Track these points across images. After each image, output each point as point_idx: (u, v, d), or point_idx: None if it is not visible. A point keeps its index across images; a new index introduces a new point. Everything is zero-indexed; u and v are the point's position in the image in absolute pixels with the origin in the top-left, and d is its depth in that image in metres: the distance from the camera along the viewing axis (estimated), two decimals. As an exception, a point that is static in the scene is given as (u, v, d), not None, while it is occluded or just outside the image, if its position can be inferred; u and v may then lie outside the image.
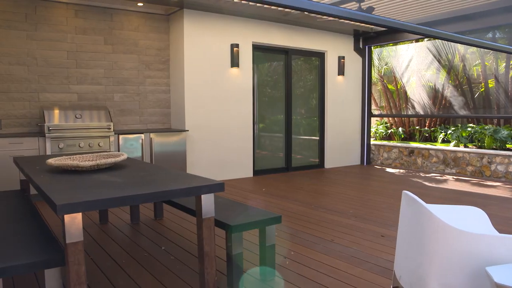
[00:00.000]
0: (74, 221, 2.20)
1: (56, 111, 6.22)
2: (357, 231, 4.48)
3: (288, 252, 3.82)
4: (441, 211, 2.88)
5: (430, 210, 2.33)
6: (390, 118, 11.34)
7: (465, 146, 8.92)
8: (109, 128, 6.37)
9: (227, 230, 2.89)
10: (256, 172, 8.19)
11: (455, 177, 8.05)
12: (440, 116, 10.25)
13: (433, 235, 2.30)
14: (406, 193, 2.66)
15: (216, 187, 2.58)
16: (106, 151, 5.64)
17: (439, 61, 9.96)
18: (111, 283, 3.17)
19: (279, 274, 3.30)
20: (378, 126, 11.31)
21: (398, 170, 9.00)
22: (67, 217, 2.18)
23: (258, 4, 6.97)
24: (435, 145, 9.35)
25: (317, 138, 9.24)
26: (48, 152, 5.95)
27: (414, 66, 10.47)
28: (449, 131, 9.43)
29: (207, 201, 2.58)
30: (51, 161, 3.28)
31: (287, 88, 8.62)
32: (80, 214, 2.21)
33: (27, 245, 2.52)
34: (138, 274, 3.33)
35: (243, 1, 6.56)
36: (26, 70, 6.35)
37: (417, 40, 10.07)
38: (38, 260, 2.29)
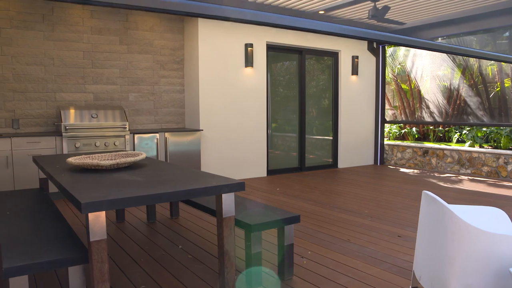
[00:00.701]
0: (98, 220, 2.22)
1: (73, 111, 6.28)
2: (373, 231, 4.46)
3: (305, 251, 3.83)
4: (462, 212, 2.87)
5: (452, 210, 2.32)
6: (404, 118, 11.27)
7: (481, 146, 8.84)
8: (125, 128, 6.42)
9: (246, 229, 2.91)
10: (269, 172, 8.20)
11: (470, 177, 7.98)
12: (454, 124, 10.13)
13: (455, 236, 2.29)
14: (427, 193, 2.65)
15: (237, 186, 2.60)
16: (122, 151, 5.69)
17: (453, 60, 9.88)
18: (130, 281, 3.20)
19: (297, 273, 3.30)
20: (392, 126, 11.25)
21: (412, 170, 8.94)
22: (91, 216, 2.21)
23: (272, 4, 6.97)
24: (449, 145, 9.28)
25: (331, 138, 9.22)
26: (65, 151, 6.01)
27: (428, 66, 10.39)
28: (464, 131, 9.35)
29: (228, 200, 2.59)
30: (71, 160, 3.32)
31: (301, 88, 8.62)
32: (104, 212, 2.24)
33: (51, 243, 2.55)
34: (156, 273, 3.36)
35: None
36: (43, 70, 6.43)
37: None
38: (62, 258, 2.32)
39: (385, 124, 10.31)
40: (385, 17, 6.29)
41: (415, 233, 4.38)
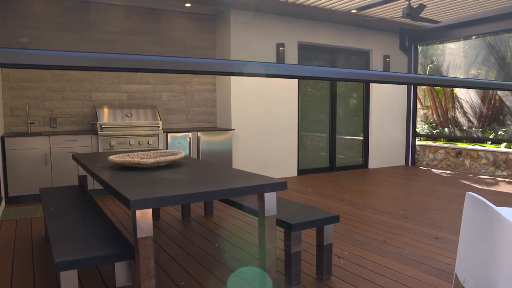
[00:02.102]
0: (145, 217, 2.27)
1: (108, 110, 6.41)
2: (409, 233, 4.41)
3: (341, 251, 3.81)
4: (508, 214, 2.80)
5: (500, 212, 2.27)
6: (436, 118, 11.08)
7: (517, 147, 8.60)
8: (158, 127, 6.52)
9: (286, 229, 2.91)
10: (300, 172, 8.18)
11: (507, 179, 7.78)
12: (488, 140, 9.90)
13: (503, 238, 2.25)
14: (472, 194, 2.60)
15: (279, 185, 2.61)
16: (157, 149, 5.76)
17: (488, 59, 9.65)
18: (169, 278, 3.25)
19: (334, 273, 3.29)
20: (423, 126, 11.07)
21: (444, 171, 8.78)
22: (138, 213, 2.25)
23: (304, 4, 6.96)
24: (484, 146, 9.07)
25: (361, 138, 9.14)
26: (100, 150, 6.14)
27: (462, 64, 10.18)
28: (500, 132, 9.13)
29: (270, 199, 2.61)
30: (112, 157, 3.39)
31: (331, 88, 8.57)
32: (151, 210, 2.28)
33: (97, 239, 2.62)
34: (195, 270, 3.40)
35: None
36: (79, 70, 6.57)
37: (465, 38, 9.79)
38: (109, 253, 2.38)
39: (416, 125, 10.15)
40: (419, 15, 6.20)
41: (452, 235, 4.31)
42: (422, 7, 5.95)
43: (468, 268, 2.62)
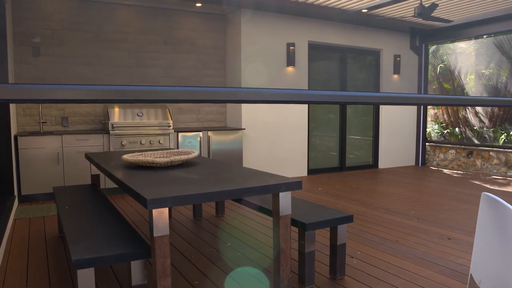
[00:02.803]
0: (161, 216, 2.28)
1: (119, 109, 6.44)
2: (421, 233, 4.39)
3: (354, 251, 3.80)
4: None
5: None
6: (446, 118, 11.01)
7: (529, 148, 8.51)
8: (169, 126, 6.54)
9: (300, 228, 2.91)
10: (310, 171, 8.17)
11: (518, 179, 7.72)
12: (499, 147, 9.82)
13: (521, 239, 2.23)
14: (487, 194, 2.58)
15: (294, 185, 2.61)
16: (168, 148, 5.78)
17: (500, 58, 9.58)
18: (183, 276, 3.26)
19: (348, 273, 3.28)
20: (434, 126, 11.01)
21: (455, 171, 8.73)
22: (155, 212, 2.26)
23: (315, 3, 6.95)
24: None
25: (371, 138, 9.11)
26: (112, 149, 6.18)
27: (473, 64, 10.11)
28: None
29: (285, 199, 2.61)
30: (126, 157, 3.41)
31: (341, 88, 8.54)
32: (167, 209, 2.29)
33: (113, 237, 2.63)
34: (208, 269, 3.41)
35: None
36: (92, 70, 6.62)
37: (476, 37, 9.72)
38: (126, 252, 2.39)
39: (427, 124, 10.10)
40: (431, 14, 6.16)
41: (465, 235, 4.28)
42: (434, 6, 5.91)
43: (484, 269, 2.60)
